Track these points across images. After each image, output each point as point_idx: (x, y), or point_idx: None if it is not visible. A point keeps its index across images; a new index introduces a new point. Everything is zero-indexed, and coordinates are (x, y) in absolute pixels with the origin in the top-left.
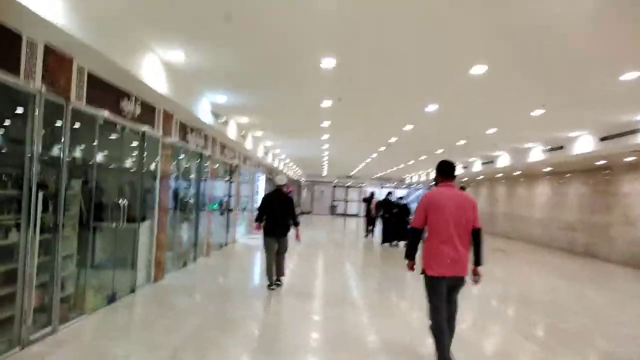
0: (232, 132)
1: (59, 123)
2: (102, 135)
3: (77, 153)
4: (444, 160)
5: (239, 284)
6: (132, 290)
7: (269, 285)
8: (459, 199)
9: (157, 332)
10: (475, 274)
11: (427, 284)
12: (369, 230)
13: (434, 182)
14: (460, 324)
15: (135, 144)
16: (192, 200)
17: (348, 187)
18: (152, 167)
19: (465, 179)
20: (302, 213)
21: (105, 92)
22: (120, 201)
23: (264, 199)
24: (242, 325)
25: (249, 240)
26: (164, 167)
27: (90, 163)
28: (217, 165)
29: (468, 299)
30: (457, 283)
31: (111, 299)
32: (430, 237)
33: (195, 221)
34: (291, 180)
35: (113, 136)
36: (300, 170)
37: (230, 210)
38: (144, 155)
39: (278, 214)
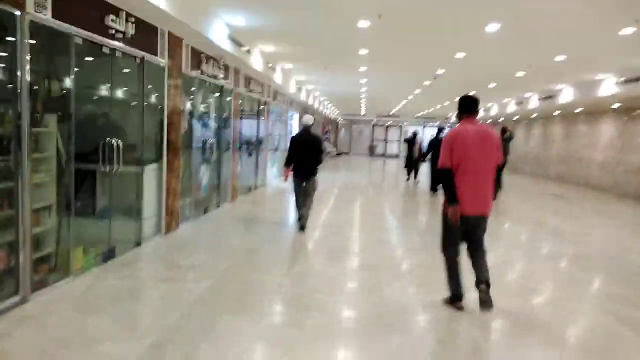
0: (257, 63)
1: (12, 40)
2: (84, 60)
3: (54, 83)
4: (467, 95)
5: (262, 233)
6: (138, 244)
7: (301, 228)
8: (484, 135)
9: (151, 303)
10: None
11: (445, 219)
12: (411, 174)
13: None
14: (534, 298)
15: (132, 72)
16: (212, 140)
17: (388, 126)
18: (157, 100)
19: (502, 119)
20: (340, 154)
21: (83, 4)
22: (114, 141)
23: (291, 141)
24: (260, 298)
25: (281, 182)
26: (172, 101)
27: (65, 94)
28: (241, 100)
29: (536, 260)
30: (479, 221)
31: (108, 256)
32: (455, 175)
33: (218, 163)
34: (327, 119)
35: (100, 62)
36: (337, 108)
37: (259, 151)
38: (145, 86)
39: (306, 156)
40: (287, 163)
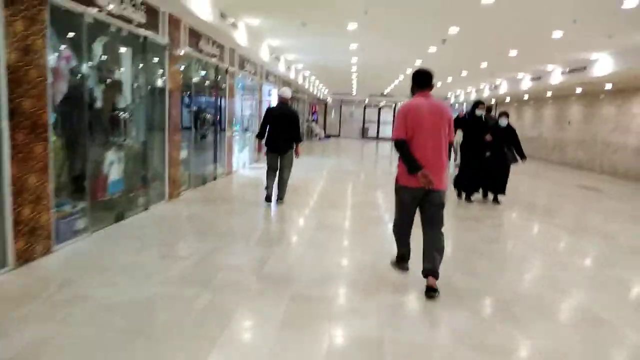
0: (204, 11)
1: None
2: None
3: None
4: (421, 69)
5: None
6: (146, 209)
7: (266, 198)
8: (437, 109)
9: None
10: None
11: (396, 191)
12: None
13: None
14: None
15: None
16: (124, 115)
17: (381, 107)
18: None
19: (493, 101)
20: (329, 136)
21: None
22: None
23: (266, 112)
24: None
25: (254, 170)
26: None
27: None
28: (186, 65)
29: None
30: (431, 196)
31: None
32: None
33: (143, 148)
34: (315, 100)
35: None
36: (326, 87)
37: (219, 133)
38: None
39: (281, 129)
40: (259, 135)
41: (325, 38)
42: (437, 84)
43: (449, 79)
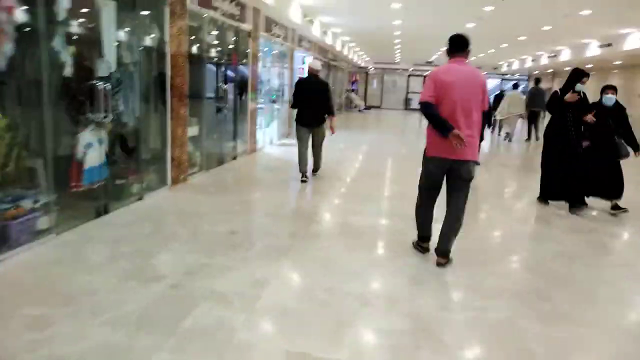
0: None
1: None
2: None
3: None
4: (456, 34)
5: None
6: (140, 199)
7: (302, 177)
8: (469, 75)
9: None
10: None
11: (424, 163)
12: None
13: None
14: None
15: None
16: (105, 85)
17: (426, 76)
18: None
19: (536, 72)
20: (369, 107)
21: None
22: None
23: (296, 85)
24: None
25: (281, 147)
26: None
27: None
28: (193, 23)
29: None
30: (459, 167)
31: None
32: None
33: (136, 123)
34: (355, 69)
35: None
36: (366, 55)
37: (239, 105)
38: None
39: (311, 102)
40: (293, 106)
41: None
42: (490, 50)
43: (503, 45)
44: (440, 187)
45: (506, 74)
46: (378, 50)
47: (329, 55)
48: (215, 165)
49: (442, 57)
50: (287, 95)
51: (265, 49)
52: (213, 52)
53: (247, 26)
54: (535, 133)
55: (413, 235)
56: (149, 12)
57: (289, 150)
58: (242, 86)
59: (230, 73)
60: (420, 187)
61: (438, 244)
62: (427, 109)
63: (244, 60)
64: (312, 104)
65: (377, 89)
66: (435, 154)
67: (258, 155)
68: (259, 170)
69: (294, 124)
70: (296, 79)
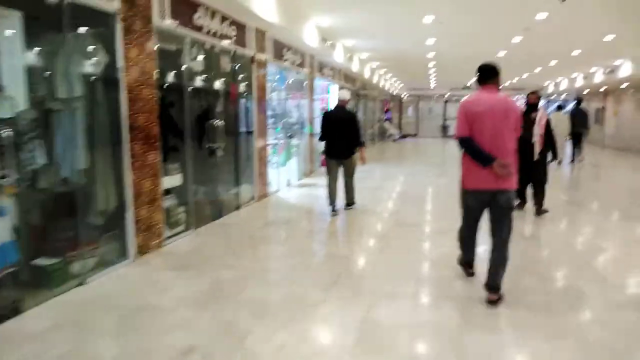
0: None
1: None
2: None
3: None
4: (485, 63)
5: None
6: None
7: (332, 211)
8: (501, 105)
9: None
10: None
11: (462, 196)
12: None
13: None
14: None
15: None
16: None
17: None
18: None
19: (586, 90)
20: (405, 136)
21: None
22: None
23: (323, 116)
24: None
25: (301, 187)
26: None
27: None
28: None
29: None
30: (498, 197)
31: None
32: None
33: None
34: (388, 96)
35: None
36: (400, 81)
37: (242, 142)
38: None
39: (339, 134)
40: (321, 138)
41: (402, 37)
42: (523, 75)
43: (537, 70)
44: (479, 221)
45: (552, 95)
46: (411, 75)
47: (357, 83)
48: (209, 220)
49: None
50: (307, 128)
51: (277, 77)
52: (200, 82)
53: (249, 51)
54: (578, 154)
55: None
56: (87, 28)
57: (311, 192)
58: (243, 122)
59: (224, 107)
60: (462, 219)
61: (487, 279)
62: (466, 144)
63: (245, 92)
64: (341, 136)
65: (412, 117)
66: (475, 187)
67: (271, 202)
68: (268, 223)
69: (318, 159)
70: (318, 110)
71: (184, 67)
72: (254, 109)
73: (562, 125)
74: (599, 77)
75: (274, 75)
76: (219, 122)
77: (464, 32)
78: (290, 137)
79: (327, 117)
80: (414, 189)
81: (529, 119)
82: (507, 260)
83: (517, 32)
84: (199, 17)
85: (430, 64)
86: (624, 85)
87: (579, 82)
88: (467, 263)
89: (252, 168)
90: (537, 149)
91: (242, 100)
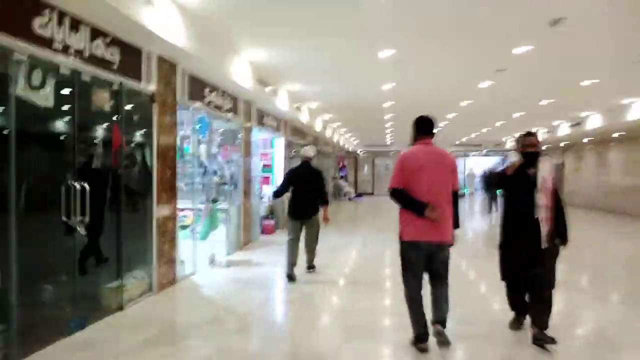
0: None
1: None
2: None
3: None
4: (421, 116)
5: None
6: None
7: (289, 279)
8: (438, 158)
9: None
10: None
11: (402, 250)
12: None
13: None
14: None
15: None
16: None
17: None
18: None
19: (546, 146)
20: (361, 195)
21: None
22: None
23: (288, 173)
24: None
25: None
26: None
27: None
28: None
29: None
30: (436, 249)
31: None
32: None
33: None
34: (342, 152)
35: None
36: (355, 137)
37: (127, 212)
38: None
39: (305, 192)
40: (275, 194)
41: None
42: (483, 129)
43: (498, 123)
44: (422, 278)
45: (509, 150)
46: (367, 131)
47: (307, 137)
48: (48, 342)
49: (438, 135)
50: (241, 187)
51: (198, 125)
52: (51, 124)
53: (146, 85)
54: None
55: None
56: None
57: (243, 273)
58: (139, 180)
59: (101, 160)
60: (403, 276)
61: (433, 314)
62: (397, 195)
63: (141, 141)
64: (307, 193)
65: (368, 174)
66: (414, 237)
67: (179, 292)
68: (155, 336)
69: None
70: (258, 168)
71: (11, 99)
72: (154, 164)
73: None
74: (563, 130)
75: (192, 121)
76: (81, 184)
77: (426, 73)
78: (215, 201)
79: (292, 174)
80: (372, 257)
81: (525, 178)
82: (448, 296)
83: (488, 75)
84: (45, 24)
85: (387, 116)
86: (586, 140)
87: (541, 136)
88: (420, 337)
89: (149, 246)
90: (545, 229)
91: (136, 152)
